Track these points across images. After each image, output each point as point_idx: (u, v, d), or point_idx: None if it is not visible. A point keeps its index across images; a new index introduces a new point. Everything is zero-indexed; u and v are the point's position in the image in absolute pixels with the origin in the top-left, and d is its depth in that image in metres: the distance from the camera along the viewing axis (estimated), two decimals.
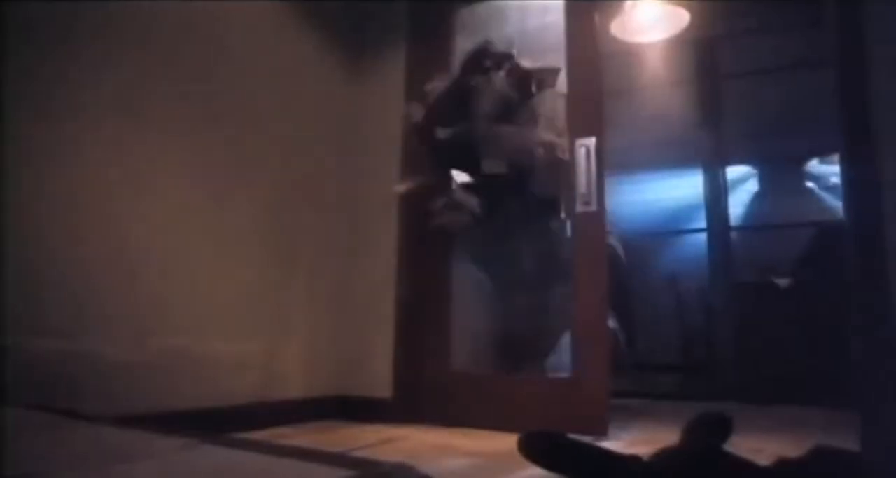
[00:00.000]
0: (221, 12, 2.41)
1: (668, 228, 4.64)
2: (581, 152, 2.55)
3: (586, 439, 1.72)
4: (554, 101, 2.69)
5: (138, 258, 2.04)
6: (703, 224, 4.42)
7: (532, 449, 1.43)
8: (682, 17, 3.46)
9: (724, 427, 1.43)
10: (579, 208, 2.52)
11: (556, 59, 2.73)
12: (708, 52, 4.40)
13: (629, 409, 3.07)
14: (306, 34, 2.82)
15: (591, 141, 2.55)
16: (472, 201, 2.67)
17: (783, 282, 3.86)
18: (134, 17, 2.08)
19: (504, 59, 2.72)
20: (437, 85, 2.78)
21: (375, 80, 3.07)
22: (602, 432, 2.30)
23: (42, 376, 1.68)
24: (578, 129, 2.59)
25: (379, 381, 2.73)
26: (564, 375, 2.50)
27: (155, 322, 2.07)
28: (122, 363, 1.94)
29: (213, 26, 2.39)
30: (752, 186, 4.69)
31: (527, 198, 2.78)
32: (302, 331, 2.67)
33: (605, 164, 2.54)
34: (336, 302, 2.82)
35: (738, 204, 4.52)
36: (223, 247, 2.37)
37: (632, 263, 3.71)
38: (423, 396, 2.66)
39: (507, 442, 1.74)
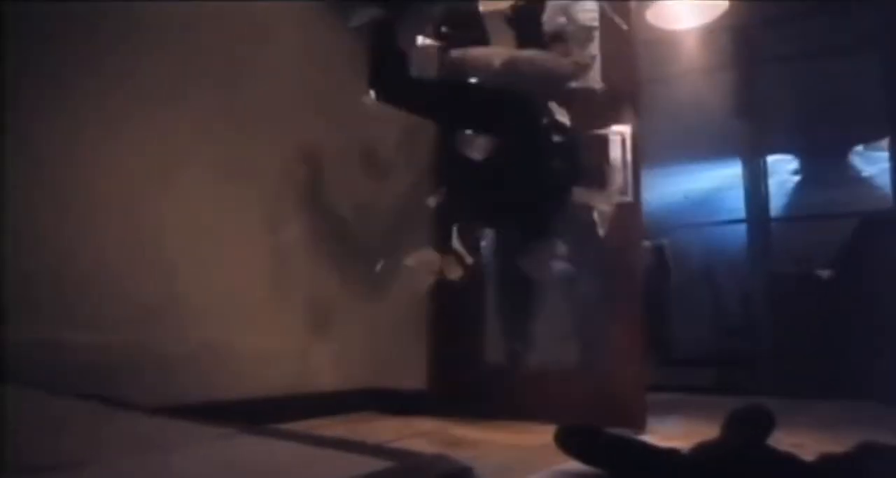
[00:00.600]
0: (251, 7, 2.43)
1: (705, 219, 4.55)
2: (616, 141, 2.51)
3: (623, 432, 1.71)
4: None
5: (176, 253, 2.08)
6: (741, 215, 4.33)
7: (569, 442, 1.43)
8: (720, 4, 3.38)
9: (765, 422, 1.40)
10: (615, 199, 2.48)
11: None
12: (746, 39, 4.29)
13: (664, 403, 3.03)
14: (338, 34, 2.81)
15: (627, 129, 2.51)
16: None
17: (825, 273, 3.75)
18: (161, 17, 2.10)
19: None
20: None
21: None
22: (639, 426, 2.27)
23: (85, 368, 1.72)
24: (613, 117, 2.54)
25: (414, 373, 2.74)
26: (600, 368, 2.48)
27: (193, 316, 2.10)
28: (161, 355, 1.98)
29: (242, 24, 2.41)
30: (793, 175, 4.56)
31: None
32: (336, 323, 2.69)
33: (641, 153, 2.50)
34: (370, 293, 2.83)
35: (777, 194, 4.40)
36: (257, 241, 2.40)
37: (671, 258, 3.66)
38: (458, 388, 2.66)
39: (544, 435, 1.74)
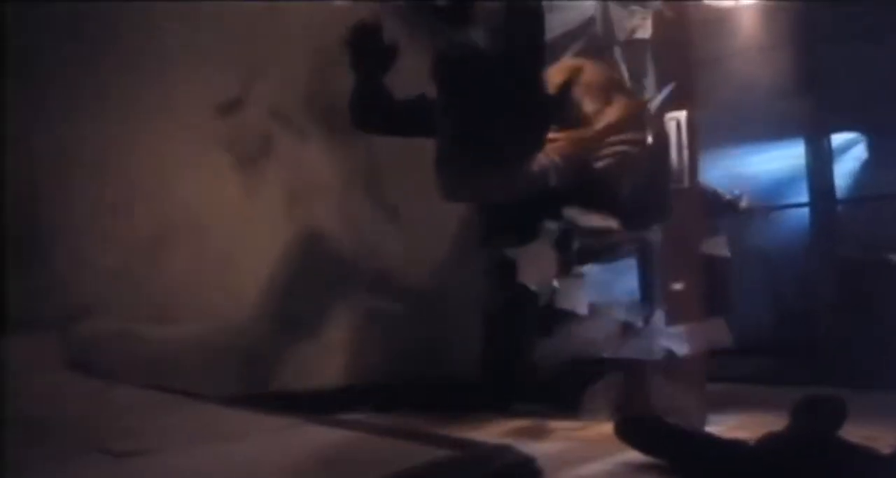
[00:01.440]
0: None
1: (766, 203, 4.39)
2: (671, 127, 2.45)
3: (682, 423, 1.67)
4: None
5: (236, 247, 2.14)
6: (803, 198, 4.15)
7: (630, 433, 1.41)
8: None
9: (836, 412, 1.35)
10: (671, 185, 2.43)
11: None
12: (806, 14, 4.10)
13: (720, 393, 2.95)
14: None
15: (682, 114, 2.44)
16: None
17: (895, 258, 3.58)
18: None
19: None
20: None
21: None
22: (699, 417, 2.22)
23: (151, 359, 1.79)
24: (668, 102, 2.48)
25: (467, 365, 2.74)
26: (659, 357, 2.43)
27: (253, 308, 2.16)
28: (224, 347, 2.04)
29: None
30: (860, 155, 4.35)
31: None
32: (387, 313, 2.71)
33: (698, 137, 2.43)
34: (421, 284, 2.84)
35: (843, 175, 4.21)
36: (318, 232, 2.43)
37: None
38: (513, 379, 2.65)
39: (602, 426, 1.72)
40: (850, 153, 4.35)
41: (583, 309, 2.05)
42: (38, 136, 1.71)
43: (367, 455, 0.88)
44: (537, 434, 2.04)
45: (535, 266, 2.03)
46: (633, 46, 2.24)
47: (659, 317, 2.25)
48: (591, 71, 2.24)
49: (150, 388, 1.63)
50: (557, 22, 2.27)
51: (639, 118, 2.14)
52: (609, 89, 2.23)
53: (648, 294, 2.31)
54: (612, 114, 2.16)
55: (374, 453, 0.90)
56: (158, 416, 1.19)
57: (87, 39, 1.87)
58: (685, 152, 2.42)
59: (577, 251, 2.09)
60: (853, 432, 1.51)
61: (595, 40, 2.37)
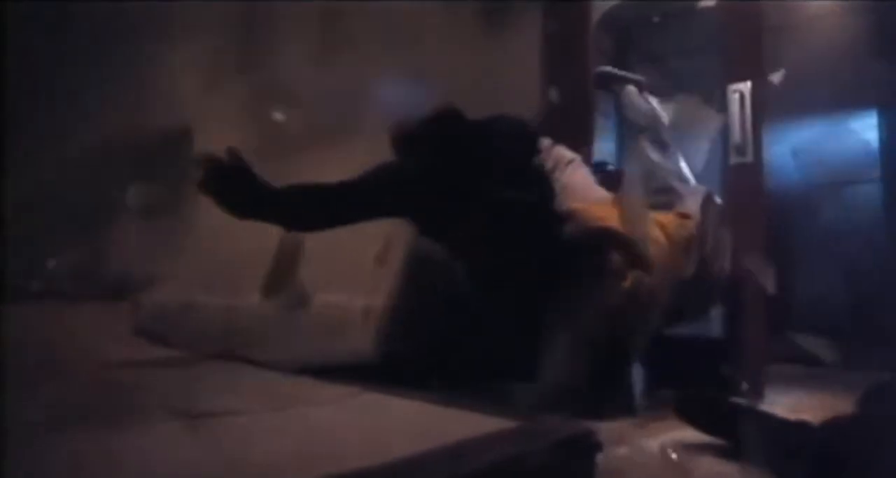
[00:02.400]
0: None
1: (835, 179, 4.20)
2: (735, 99, 2.37)
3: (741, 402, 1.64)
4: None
5: None
6: (877, 173, 3.96)
7: (689, 411, 1.39)
8: None
9: None
10: (733, 160, 2.36)
11: None
12: None
13: (781, 374, 2.88)
14: None
15: (747, 85, 2.35)
16: None
17: None
18: None
19: None
20: None
21: (510, 35, 3.01)
22: (757, 396, 2.18)
23: (220, 330, 1.86)
24: (732, 72, 2.39)
25: None
26: (716, 334, 2.39)
27: (316, 279, 2.19)
28: (285, 318, 2.09)
29: None
30: None
31: None
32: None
33: (763, 109, 2.34)
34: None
35: None
36: None
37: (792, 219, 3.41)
38: None
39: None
40: None
41: None
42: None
43: (436, 424, 0.90)
44: None
45: None
46: (701, 15, 2.16)
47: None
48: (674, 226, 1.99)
49: (216, 356, 1.69)
50: None
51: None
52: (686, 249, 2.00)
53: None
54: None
55: (441, 422, 0.91)
56: (227, 382, 1.24)
57: None
58: (748, 125, 2.34)
59: None
60: None
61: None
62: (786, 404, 2.16)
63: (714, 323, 2.50)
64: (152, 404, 0.98)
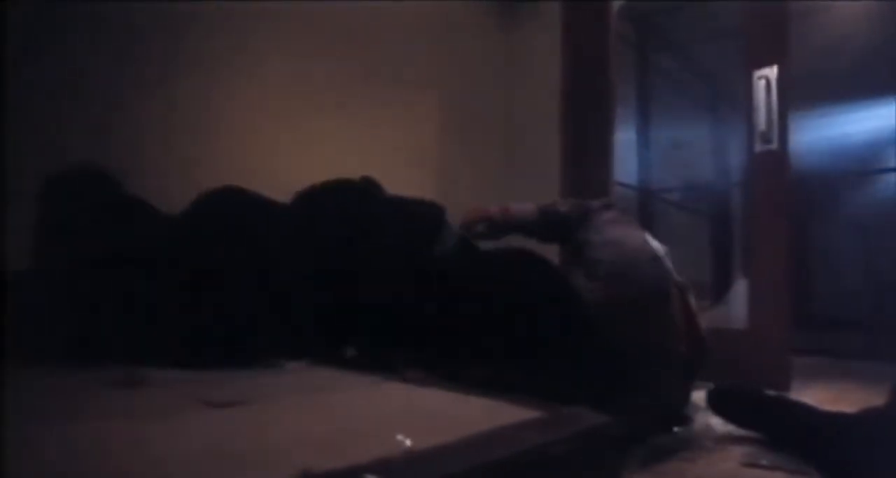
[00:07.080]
0: None
1: (859, 168, 4.12)
2: (760, 85, 2.32)
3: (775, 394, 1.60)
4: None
5: None
6: None
7: (722, 404, 1.36)
8: None
9: None
10: (758, 148, 2.31)
11: None
12: None
13: (806, 366, 2.83)
14: None
15: (773, 71, 2.30)
16: None
17: None
18: None
19: None
20: None
21: (529, 29, 2.99)
22: (783, 387, 2.14)
23: None
24: (757, 58, 2.34)
25: None
26: (741, 325, 2.35)
27: None
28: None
29: None
30: None
31: None
32: None
33: (788, 96, 2.29)
34: None
35: None
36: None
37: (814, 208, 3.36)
38: None
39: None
40: None
41: None
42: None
43: (462, 411, 0.88)
44: None
45: None
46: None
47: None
48: None
49: None
50: None
51: None
52: None
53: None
54: None
55: (467, 409, 0.89)
56: (245, 372, 1.22)
57: None
58: (774, 112, 2.29)
59: None
60: None
61: None
62: (810, 395, 2.13)
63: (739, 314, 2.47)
64: (174, 393, 0.97)
